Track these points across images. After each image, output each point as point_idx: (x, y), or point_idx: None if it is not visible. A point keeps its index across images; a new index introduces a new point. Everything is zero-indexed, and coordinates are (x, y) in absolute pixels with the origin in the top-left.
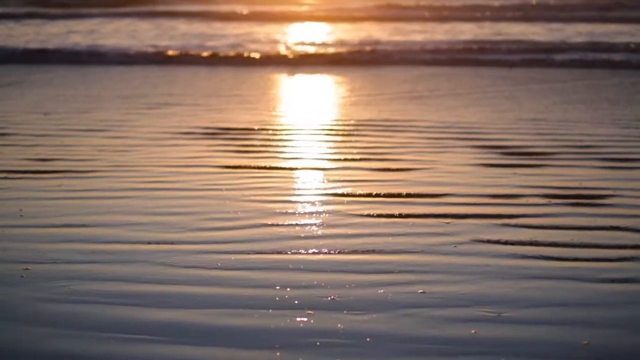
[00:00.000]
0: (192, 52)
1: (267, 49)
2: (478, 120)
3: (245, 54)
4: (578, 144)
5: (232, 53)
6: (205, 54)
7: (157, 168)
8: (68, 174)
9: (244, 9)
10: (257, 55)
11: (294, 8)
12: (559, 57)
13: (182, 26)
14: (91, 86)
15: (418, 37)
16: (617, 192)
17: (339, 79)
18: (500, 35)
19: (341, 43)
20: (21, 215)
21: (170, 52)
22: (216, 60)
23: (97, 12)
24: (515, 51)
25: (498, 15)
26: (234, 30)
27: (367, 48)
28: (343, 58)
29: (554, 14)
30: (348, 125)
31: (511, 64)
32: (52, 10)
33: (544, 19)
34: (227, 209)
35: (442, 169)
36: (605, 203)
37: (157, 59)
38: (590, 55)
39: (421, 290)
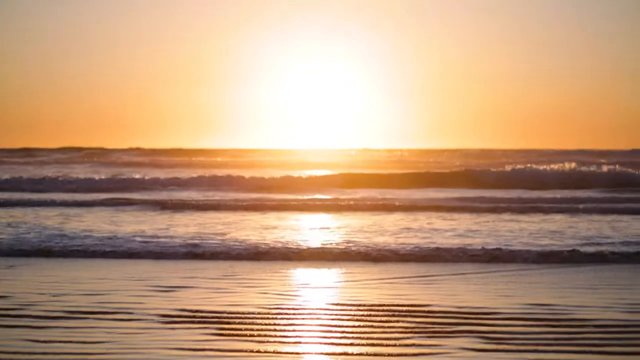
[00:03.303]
0: (204, 245)
1: (273, 241)
2: (487, 304)
3: (252, 249)
4: (590, 329)
5: (243, 246)
6: (216, 244)
7: (166, 351)
8: (75, 357)
9: (228, 199)
10: (259, 248)
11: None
12: (576, 248)
13: (183, 216)
14: (100, 270)
15: (432, 228)
16: None
17: (347, 269)
18: (507, 228)
19: (349, 237)
20: None
21: (182, 247)
22: (224, 253)
23: (105, 199)
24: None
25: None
26: (237, 220)
27: (380, 246)
28: (351, 254)
29: (573, 205)
30: (355, 309)
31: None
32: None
33: (568, 210)
34: None
35: (450, 353)
36: None
37: (167, 252)
38: (610, 246)
39: None
